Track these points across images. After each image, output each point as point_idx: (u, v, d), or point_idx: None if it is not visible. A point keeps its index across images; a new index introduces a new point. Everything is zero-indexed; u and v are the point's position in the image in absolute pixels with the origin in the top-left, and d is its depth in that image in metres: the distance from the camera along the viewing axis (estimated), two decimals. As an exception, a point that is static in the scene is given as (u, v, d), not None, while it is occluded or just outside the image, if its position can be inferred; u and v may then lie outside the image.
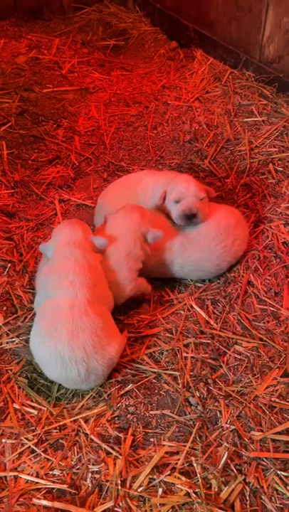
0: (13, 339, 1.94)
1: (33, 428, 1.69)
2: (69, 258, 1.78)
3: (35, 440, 1.66)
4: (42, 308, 1.79)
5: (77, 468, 1.59)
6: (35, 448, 1.63)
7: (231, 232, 2.15)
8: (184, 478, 1.55)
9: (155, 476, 1.55)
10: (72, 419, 1.72)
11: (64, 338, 1.67)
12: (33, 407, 1.75)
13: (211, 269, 2.15)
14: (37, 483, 1.55)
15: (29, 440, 1.66)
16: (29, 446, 1.64)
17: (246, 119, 3.01)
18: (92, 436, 1.66)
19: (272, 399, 1.75)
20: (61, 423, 1.71)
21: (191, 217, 2.09)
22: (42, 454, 1.62)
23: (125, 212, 2.03)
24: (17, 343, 1.93)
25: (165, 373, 1.85)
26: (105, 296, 1.86)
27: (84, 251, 1.81)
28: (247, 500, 1.51)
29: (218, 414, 1.73)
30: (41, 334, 1.72)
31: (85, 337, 1.68)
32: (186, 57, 3.65)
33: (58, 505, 1.49)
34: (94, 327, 1.70)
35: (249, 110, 3.08)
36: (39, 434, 1.67)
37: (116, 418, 1.73)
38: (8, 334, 1.95)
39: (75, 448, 1.65)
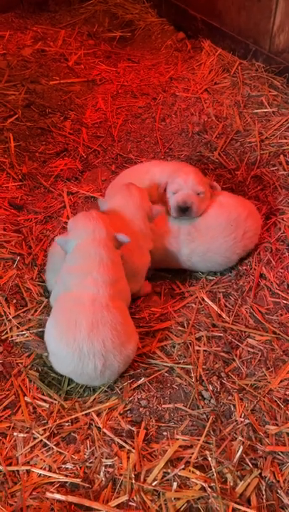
0: (24, 332, 1.92)
1: (45, 422, 1.67)
2: (93, 258, 1.73)
3: (47, 434, 1.64)
4: (60, 300, 1.76)
5: (90, 462, 1.58)
6: (47, 441, 1.62)
7: (242, 224, 2.11)
8: (198, 472, 1.53)
9: (169, 470, 1.54)
10: (84, 412, 1.70)
11: (84, 330, 1.65)
12: (45, 401, 1.74)
13: (221, 261, 2.12)
14: (50, 476, 1.54)
15: (40, 434, 1.64)
16: (41, 440, 1.62)
17: (256, 110, 2.97)
18: (104, 430, 1.64)
19: (287, 392, 1.73)
20: (73, 416, 1.69)
21: (184, 210, 2.06)
22: (54, 447, 1.61)
23: (125, 194, 2.00)
24: (27, 336, 1.91)
25: (177, 367, 1.83)
26: (124, 291, 1.84)
27: (108, 250, 1.76)
28: (263, 495, 1.49)
29: (232, 408, 1.71)
30: (59, 326, 1.70)
31: (105, 331, 1.66)
32: (193, 48, 3.60)
33: (71, 499, 1.48)
34: (114, 322, 1.68)
35: (259, 101, 3.03)
36: (51, 427, 1.65)
37: (128, 412, 1.71)
38: (18, 327, 1.93)
39: (88, 441, 1.63)
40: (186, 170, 2.17)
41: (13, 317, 1.96)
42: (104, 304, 1.69)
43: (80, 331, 1.65)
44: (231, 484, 1.50)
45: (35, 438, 1.64)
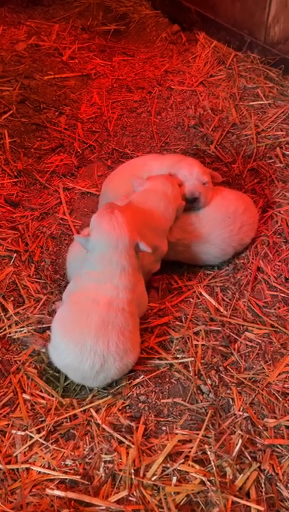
0: (22, 329, 1.91)
1: (43, 419, 1.67)
2: (115, 267, 1.70)
3: (46, 430, 1.64)
4: (77, 294, 1.74)
5: (90, 458, 1.58)
6: (43, 442, 1.61)
7: (239, 217, 2.11)
8: (197, 467, 1.53)
9: (169, 465, 1.54)
10: (82, 408, 1.70)
11: (93, 325, 1.64)
12: (43, 398, 1.74)
13: (216, 253, 2.12)
14: (49, 473, 1.54)
15: (39, 432, 1.64)
16: (40, 437, 1.63)
17: (252, 103, 2.95)
18: (103, 426, 1.64)
19: (286, 385, 1.73)
20: (72, 413, 1.69)
21: (192, 201, 2.06)
22: (50, 445, 1.60)
23: (166, 180, 2.01)
24: (25, 333, 1.90)
25: (176, 362, 1.82)
26: (141, 298, 1.82)
27: (130, 258, 1.72)
28: (262, 488, 1.49)
29: (231, 402, 1.71)
30: (69, 316, 1.70)
31: (113, 333, 1.65)
32: (188, 41, 3.57)
33: (71, 495, 1.48)
34: (124, 327, 1.67)
35: (255, 93, 3.01)
36: (49, 424, 1.65)
37: (127, 407, 1.71)
38: (16, 324, 1.93)
39: (87, 438, 1.63)
40: (189, 161, 2.16)
41: (10, 314, 1.95)
42: (121, 308, 1.68)
43: (88, 326, 1.64)
44: (230, 478, 1.50)
45: (32, 437, 1.63)
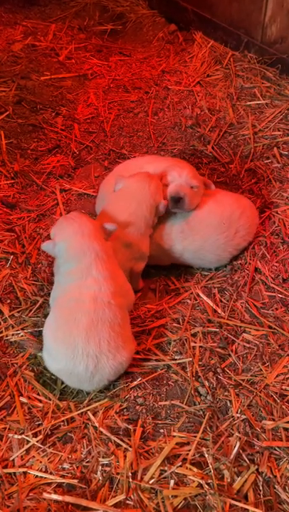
0: (19, 332, 1.90)
1: (40, 423, 1.67)
2: (88, 254, 1.71)
3: (43, 434, 1.63)
4: (61, 298, 1.73)
5: (87, 462, 1.57)
6: (40, 445, 1.60)
7: (235, 222, 2.09)
8: (195, 469, 1.52)
9: (166, 468, 1.53)
10: (80, 411, 1.69)
11: (82, 327, 1.63)
12: (40, 401, 1.73)
13: (211, 258, 2.11)
14: (46, 477, 1.53)
15: (36, 435, 1.63)
16: (37, 441, 1.62)
17: (249, 103, 2.95)
18: (101, 429, 1.64)
19: (283, 387, 1.73)
20: (69, 416, 1.68)
21: (176, 201, 2.03)
22: (47, 449, 1.59)
23: (143, 179, 2.00)
24: (22, 336, 1.89)
25: (173, 363, 1.82)
26: (124, 287, 1.81)
27: (100, 242, 1.74)
28: (260, 491, 1.49)
29: (229, 404, 1.71)
30: (58, 321, 1.69)
31: (103, 330, 1.64)
32: (185, 41, 3.56)
33: (68, 499, 1.47)
34: (113, 322, 1.66)
35: (252, 93, 3.00)
36: (46, 427, 1.65)
37: (124, 410, 1.71)
38: (13, 327, 1.92)
39: (84, 441, 1.63)
40: (182, 164, 2.15)
41: (7, 317, 1.95)
42: (106, 301, 1.67)
43: (77, 328, 1.64)
44: (228, 480, 1.50)
45: (28, 441, 1.63)
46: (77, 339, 1.63)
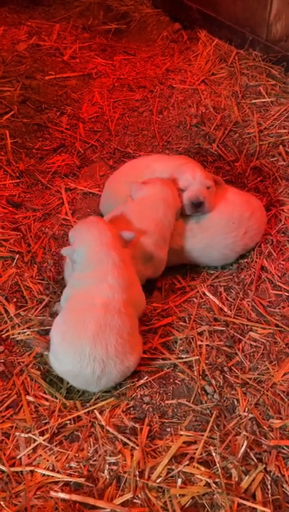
0: (25, 331, 1.90)
1: (46, 421, 1.66)
2: (106, 262, 1.70)
3: (50, 432, 1.63)
4: (72, 300, 1.73)
5: (94, 460, 1.57)
6: (47, 444, 1.60)
7: (244, 223, 2.08)
8: (203, 468, 1.52)
9: (173, 467, 1.53)
10: (86, 410, 1.69)
11: (90, 331, 1.62)
12: (47, 399, 1.73)
13: (218, 257, 2.10)
14: (53, 476, 1.53)
15: (43, 434, 1.63)
16: (44, 439, 1.62)
17: (254, 101, 2.94)
18: (107, 427, 1.63)
19: (291, 386, 1.72)
20: (75, 415, 1.68)
21: (197, 206, 2.03)
22: (54, 448, 1.59)
23: (165, 185, 1.99)
24: (28, 335, 1.89)
25: (180, 361, 1.81)
26: (138, 297, 1.80)
27: (118, 251, 1.73)
28: (268, 490, 1.48)
29: (236, 403, 1.70)
30: (66, 323, 1.69)
31: (111, 336, 1.63)
32: (190, 39, 3.55)
33: (75, 497, 1.47)
34: (122, 329, 1.65)
35: (257, 91, 2.99)
36: (53, 426, 1.64)
37: (131, 408, 1.70)
38: (19, 325, 1.92)
39: (91, 439, 1.62)
40: (192, 165, 2.14)
41: (13, 316, 1.95)
42: (117, 309, 1.66)
43: (85, 331, 1.63)
44: (236, 479, 1.49)
45: (35, 440, 1.62)
46: (85, 344, 1.62)
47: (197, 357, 1.82)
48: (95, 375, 1.64)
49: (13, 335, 1.90)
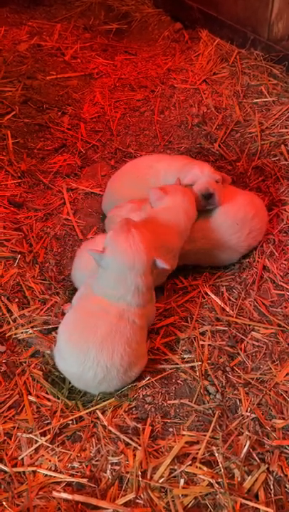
0: (27, 330, 1.90)
1: (49, 421, 1.66)
2: (129, 287, 1.65)
3: (52, 433, 1.63)
4: (86, 301, 1.71)
5: (97, 460, 1.57)
6: (49, 444, 1.60)
7: (248, 223, 2.08)
8: (205, 468, 1.51)
9: (176, 467, 1.52)
10: (88, 410, 1.68)
11: (100, 334, 1.61)
12: (49, 400, 1.72)
13: (223, 258, 2.10)
14: (56, 476, 1.53)
15: (45, 434, 1.63)
16: (46, 440, 1.61)
17: (256, 100, 2.93)
18: (110, 428, 1.63)
19: (293, 386, 1.71)
20: (78, 415, 1.68)
21: (208, 197, 2.01)
22: (56, 448, 1.59)
23: (187, 193, 1.96)
24: (31, 334, 1.89)
25: (182, 362, 1.81)
26: (151, 313, 1.79)
27: (145, 279, 1.66)
28: (271, 490, 1.48)
29: (238, 403, 1.70)
30: (76, 323, 1.68)
31: (120, 344, 1.62)
32: (191, 39, 3.55)
33: (78, 497, 1.47)
34: (131, 339, 1.64)
35: (258, 91, 2.99)
36: (55, 426, 1.64)
37: (133, 409, 1.70)
38: (22, 326, 1.92)
39: (93, 440, 1.62)
40: (200, 162, 2.14)
41: (15, 316, 1.94)
42: (131, 320, 1.66)
43: (95, 334, 1.62)
44: (239, 480, 1.49)
45: (37, 441, 1.62)
46: (92, 347, 1.61)
47: (199, 358, 1.81)
48: (96, 380, 1.64)
49: (15, 334, 1.90)
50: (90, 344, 1.61)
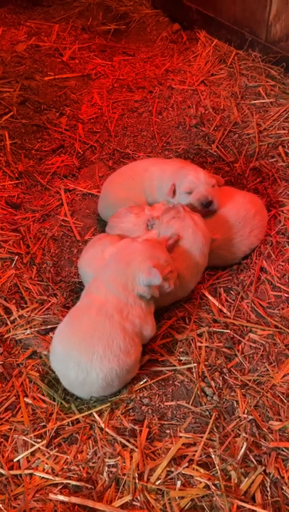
0: (24, 331, 1.90)
1: (44, 424, 1.66)
2: (132, 305, 1.70)
3: (48, 435, 1.63)
4: (83, 298, 1.78)
5: (93, 462, 1.57)
6: (44, 448, 1.60)
7: (249, 222, 2.09)
8: (202, 470, 1.51)
9: (173, 469, 1.52)
10: (85, 413, 1.68)
11: (82, 333, 1.63)
12: (45, 402, 1.72)
13: (227, 257, 2.11)
14: (52, 479, 1.53)
15: (41, 437, 1.63)
16: (42, 442, 1.61)
17: (254, 101, 2.93)
18: (107, 430, 1.63)
19: (290, 387, 1.71)
20: (74, 417, 1.67)
21: (207, 205, 2.05)
22: (52, 450, 1.59)
23: (197, 233, 1.93)
24: (28, 334, 1.89)
25: (179, 363, 1.81)
26: (148, 324, 1.76)
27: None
28: (268, 492, 1.48)
29: (235, 404, 1.69)
30: (66, 320, 1.72)
31: (100, 343, 1.62)
32: (189, 40, 3.55)
33: (74, 500, 1.47)
34: (112, 338, 1.63)
35: (256, 92, 2.99)
36: (52, 429, 1.64)
37: (130, 410, 1.70)
38: (19, 327, 1.92)
39: (90, 442, 1.62)
40: (193, 167, 2.15)
41: (13, 318, 1.94)
42: (116, 320, 1.66)
43: (77, 332, 1.64)
44: (235, 481, 1.49)
45: (33, 444, 1.62)
46: (72, 345, 1.63)
47: (196, 360, 1.81)
48: (77, 380, 1.63)
49: (12, 336, 1.89)
50: (71, 343, 1.64)
